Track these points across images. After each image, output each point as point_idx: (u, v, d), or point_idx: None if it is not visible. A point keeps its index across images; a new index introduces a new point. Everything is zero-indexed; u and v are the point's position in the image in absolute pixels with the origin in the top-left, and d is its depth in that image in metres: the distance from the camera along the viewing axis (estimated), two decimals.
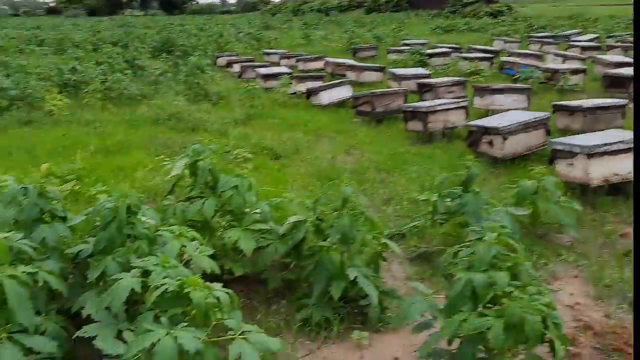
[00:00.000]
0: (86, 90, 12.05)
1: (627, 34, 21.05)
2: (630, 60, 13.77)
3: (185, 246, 3.69)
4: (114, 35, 26.72)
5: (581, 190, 5.91)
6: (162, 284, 2.89)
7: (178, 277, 2.97)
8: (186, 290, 2.86)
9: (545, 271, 4.56)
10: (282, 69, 14.91)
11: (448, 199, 4.79)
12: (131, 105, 11.93)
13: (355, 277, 3.75)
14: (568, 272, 4.58)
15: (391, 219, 5.69)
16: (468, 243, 3.14)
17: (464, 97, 10.54)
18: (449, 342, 3.05)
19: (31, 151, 8.18)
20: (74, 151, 8.08)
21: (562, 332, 2.80)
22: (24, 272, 3.05)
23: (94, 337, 3.13)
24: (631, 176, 5.76)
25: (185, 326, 2.79)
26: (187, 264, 3.73)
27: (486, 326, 2.70)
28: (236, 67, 16.86)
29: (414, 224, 5.14)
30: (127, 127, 9.94)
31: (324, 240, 4.00)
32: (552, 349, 2.76)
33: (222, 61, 18.76)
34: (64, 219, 3.86)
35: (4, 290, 2.90)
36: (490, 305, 2.88)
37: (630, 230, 5.18)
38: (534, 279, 3.00)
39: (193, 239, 3.78)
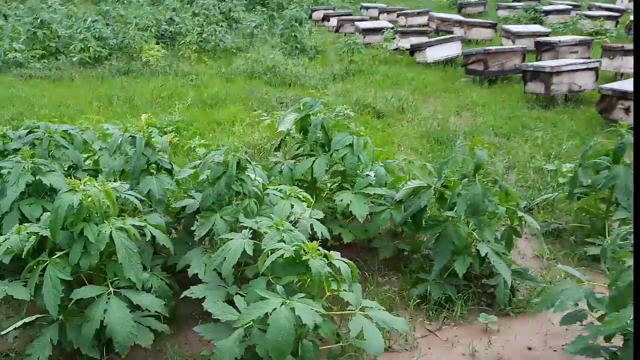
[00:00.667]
0: (182, 41, 12.15)
1: None
2: None
3: (293, 206, 3.48)
4: None
5: None
6: (277, 249, 2.68)
7: (294, 243, 2.74)
8: (304, 258, 2.62)
9: None
10: (384, 24, 14.31)
11: (591, 171, 4.24)
12: (226, 57, 11.93)
13: (486, 253, 3.37)
14: None
15: (515, 189, 5.18)
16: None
17: (589, 58, 9.58)
18: (607, 339, 2.65)
19: (130, 101, 8.31)
20: (171, 102, 8.14)
21: None
22: (132, 225, 2.94)
23: (200, 298, 3.01)
24: None
25: (303, 296, 2.58)
26: (293, 225, 3.53)
27: None
28: (333, 21, 16.45)
29: (545, 197, 4.64)
30: (222, 80, 9.90)
31: (449, 210, 3.62)
32: None
33: (317, 15, 18.39)
34: (170, 171, 3.75)
35: (114, 243, 2.80)
36: None
37: None
38: None
39: (303, 201, 3.55)
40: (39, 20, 11.67)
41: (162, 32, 13.01)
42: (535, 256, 4.19)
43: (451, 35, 11.79)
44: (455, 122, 7.45)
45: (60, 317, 2.84)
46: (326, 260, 2.66)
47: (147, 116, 6.97)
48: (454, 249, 3.49)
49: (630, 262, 2.49)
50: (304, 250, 2.66)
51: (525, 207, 4.69)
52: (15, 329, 2.76)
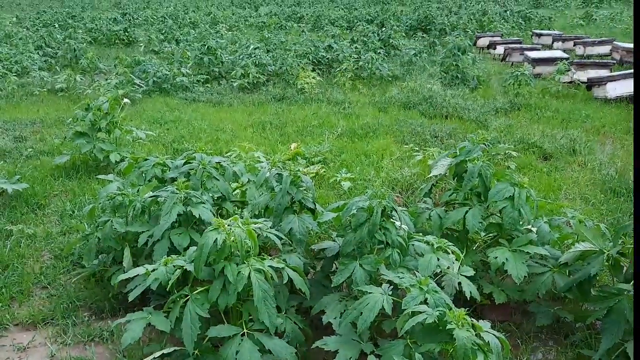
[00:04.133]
0: (338, 68, 12.54)
1: None
2: None
3: (439, 259, 3.36)
4: (370, 13, 27.71)
5: None
6: (419, 312, 2.58)
7: (438, 306, 2.63)
8: (449, 327, 2.49)
9: None
10: (557, 53, 13.59)
11: None
12: (382, 86, 12.07)
13: None
14: None
15: None
16: None
17: None
18: None
19: (282, 128, 8.71)
20: (321, 131, 8.39)
21: None
22: (271, 266, 3.03)
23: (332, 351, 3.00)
24: None
25: None
26: (439, 280, 3.41)
27: None
28: (499, 49, 15.98)
29: None
30: (375, 110, 10.01)
31: (625, 281, 3.26)
32: None
33: (483, 41, 18.00)
34: (312, 211, 3.83)
35: (251, 283, 2.90)
36: None
37: None
38: None
39: (452, 254, 3.42)
40: (206, 47, 12.79)
41: (319, 59, 13.55)
42: None
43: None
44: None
45: (196, 352, 2.99)
46: (474, 331, 2.51)
47: (296, 145, 7.29)
48: (627, 327, 3.13)
49: None
50: (449, 318, 2.54)
51: None
52: (154, 359, 2.96)
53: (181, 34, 19.08)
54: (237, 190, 4.67)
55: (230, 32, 17.31)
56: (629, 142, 7.94)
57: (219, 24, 23.82)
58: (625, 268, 3.32)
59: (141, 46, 17.65)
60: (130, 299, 3.18)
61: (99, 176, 5.18)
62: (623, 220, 3.55)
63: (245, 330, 2.97)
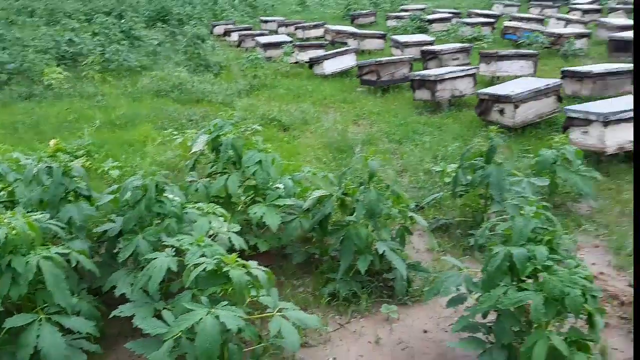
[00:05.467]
0: (84, 62, 11.83)
1: None
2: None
3: (211, 222, 3.68)
4: (107, 5, 26.10)
5: (595, 158, 5.90)
6: (200, 263, 2.88)
7: (214, 256, 2.96)
8: (225, 269, 2.84)
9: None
10: (283, 38, 14.66)
11: (469, 170, 4.75)
12: (131, 76, 11.75)
13: (384, 251, 3.75)
14: (589, 242, 4.61)
15: (407, 190, 5.66)
16: (504, 216, 3.12)
17: (469, 64, 10.42)
18: (484, 316, 3.07)
19: (36, 126, 8.07)
20: (79, 126, 7.99)
21: (599, 304, 2.81)
22: (57, 253, 3.03)
23: (128, 316, 3.14)
24: None
25: (226, 304, 2.79)
26: (213, 240, 3.73)
27: (527, 300, 2.71)
28: (234, 36, 16.58)
29: (433, 196, 5.12)
30: (130, 100, 9.80)
31: (350, 214, 3.97)
32: (590, 321, 2.78)
33: (219, 30, 18.44)
34: (88, 198, 3.83)
35: (41, 271, 2.88)
36: (524, 279, 2.88)
37: None
38: (569, 251, 3.01)
39: (220, 216, 3.77)
40: None
41: (63, 54, 12.58)
42: (427, 250, 4.63)
43: (346, 48, 12.33)
44: (354, 131, 7.91)
45: None
46: (245, 269, 2.89)
47: (55, 142, 6.84)
48: (357, 249, 3.85)
49: (497, 249, 2.92)
50: (224, 262, 2.88)
51: (417, 206, 5.14)
52: None
53: None
54: (3, 192, 4.35)
55: None
56: (346, 109, 9.13)
57: None
58: (349, 205, 4.02)
59: None
60: None
61: None
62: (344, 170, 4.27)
63: (42, 316, 2.94)
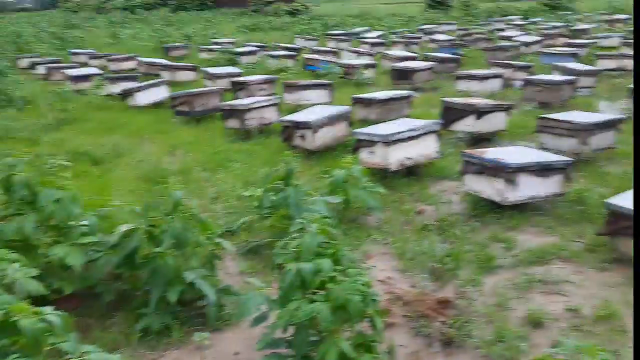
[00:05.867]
0: None
1: (407, 30, 23.66)
2: (412, 54, 15.44)
3: (5, 269, 3.37)
4: None
5: (382, 174, 6.53)
6: None
7: (1, 306, 2.71)
8: (13, 319, 2.62)
9: (360, 251, 4.98)
10: (93, 70, 13.88)
11: (272, 193, 4.98)
12: None
13: (193, 279, 3.76)
14: (378, 250, 5.08)
15: (221, 216, 5.74)
16: (295, 235, 3.33)
17: (274, 94, 10.90)
18: (285, 330, 3.24)
19: None
20: None
21: (379, 307, 3.14)
22: None
23: None
24: (422, 159, 6.62)
25: (16, 357, 2.58)
26: (9, 289, 3.41)
27: (316, 311, 2.92)
28: (41, 69, 15.31)
29: (242, 220, 5.25)
30: None
31: (158, 246, 3.92)
32: (372, 323, 3.08)
33: (23, 62, 16.87)
34: None
35: None
36: (316, 291, 3.11)
37: (424, 207, 5.91)
38: (352, 261, 3.32)
39: (15, 261, 3.46)
40: None
41: None
42: (240, 273, 4.72)
43: (158, 80, 12.08)
44: (169, 161, 7.78)
45: None
46: (37, 316, 2.69)
47: None
48: (166, 280, 3.80)
49: (290, 266, 3.11)
50: (13, 312, 2.65)
51: (228, 230, 5.24)
52: None
53: None
54: None
55: None
56: (161, 140, 8.93)
57: None
58: (157, 237, 3.96)
59: None
60: None
61: None
62: (156, 200, 4.19)
63: None
